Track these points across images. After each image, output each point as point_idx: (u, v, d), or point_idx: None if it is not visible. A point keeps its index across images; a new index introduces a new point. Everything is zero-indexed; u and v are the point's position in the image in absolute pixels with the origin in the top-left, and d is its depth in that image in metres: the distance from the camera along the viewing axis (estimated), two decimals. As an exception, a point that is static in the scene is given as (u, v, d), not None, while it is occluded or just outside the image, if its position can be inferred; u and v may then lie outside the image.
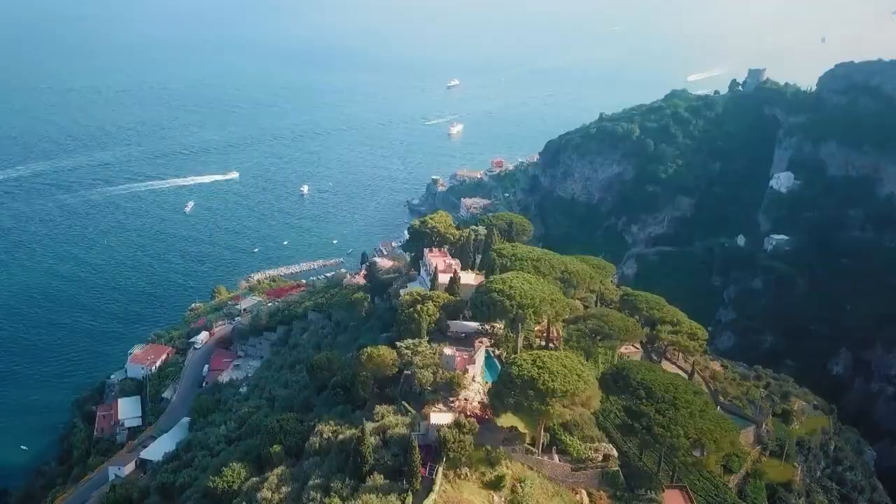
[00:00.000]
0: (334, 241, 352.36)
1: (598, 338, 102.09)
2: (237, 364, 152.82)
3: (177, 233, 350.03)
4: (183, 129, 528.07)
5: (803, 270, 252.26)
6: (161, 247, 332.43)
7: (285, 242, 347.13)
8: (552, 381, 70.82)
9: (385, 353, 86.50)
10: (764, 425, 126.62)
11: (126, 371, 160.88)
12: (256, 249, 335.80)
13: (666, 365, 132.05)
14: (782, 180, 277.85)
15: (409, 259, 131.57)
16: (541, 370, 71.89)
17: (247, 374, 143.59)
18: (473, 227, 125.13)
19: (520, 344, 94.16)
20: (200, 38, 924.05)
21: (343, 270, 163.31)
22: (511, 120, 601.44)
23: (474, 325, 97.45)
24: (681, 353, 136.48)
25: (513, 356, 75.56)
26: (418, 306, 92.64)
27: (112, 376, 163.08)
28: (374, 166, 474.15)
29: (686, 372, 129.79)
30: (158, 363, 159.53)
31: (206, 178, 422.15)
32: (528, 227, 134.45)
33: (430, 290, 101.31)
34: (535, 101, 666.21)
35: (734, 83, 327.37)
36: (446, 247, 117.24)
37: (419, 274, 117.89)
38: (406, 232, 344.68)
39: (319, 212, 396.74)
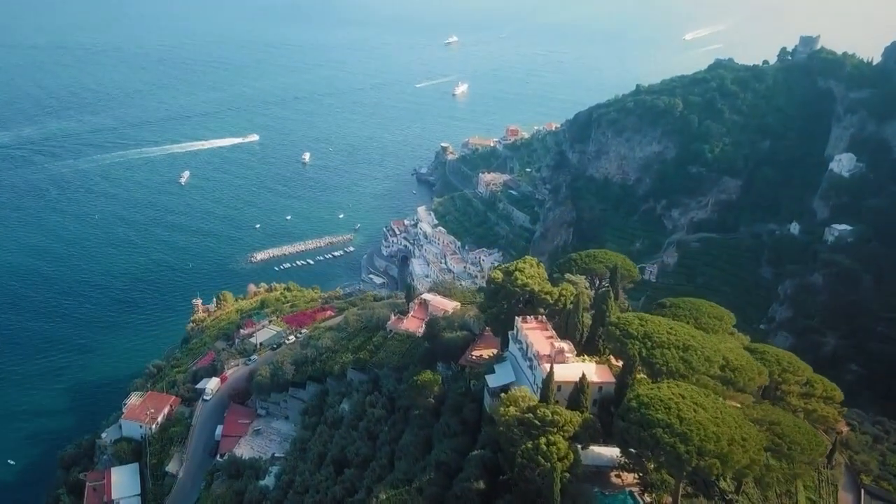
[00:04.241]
0: (340, 216, 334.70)
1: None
2: (258, 429, 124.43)
3: (172, 208, 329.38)
4: (160, 94, 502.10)
5: (869, 264, 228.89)
6: (153, 224, 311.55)
7: (288, 217, 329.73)
8: None
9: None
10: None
11: (121, 428, 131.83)
12: (258, 226, 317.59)
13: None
14: (844, 163, 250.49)
15: (482, 316, 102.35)
16: None
17: (273, 452, 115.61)
18: (569, 275, 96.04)
19: (679, 493, 67.23)
20: None
21: (383, 308, 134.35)
22: (517, 78, 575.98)
23: (612, 453, 70.17)
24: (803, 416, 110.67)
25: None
26: (542, 444, 64.54)
27: (104, 434, 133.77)
28: (376, 132, 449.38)
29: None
30: (160, 418, 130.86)
31: (226, 142, 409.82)
32: (635, 272, 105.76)
33: (541, 398, 72.84)
34: (541, 58, 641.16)
35: (783, 52, 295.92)
36: (543, 312, 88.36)
37: (507, 350, 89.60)
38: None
39: (322, 182, 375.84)
